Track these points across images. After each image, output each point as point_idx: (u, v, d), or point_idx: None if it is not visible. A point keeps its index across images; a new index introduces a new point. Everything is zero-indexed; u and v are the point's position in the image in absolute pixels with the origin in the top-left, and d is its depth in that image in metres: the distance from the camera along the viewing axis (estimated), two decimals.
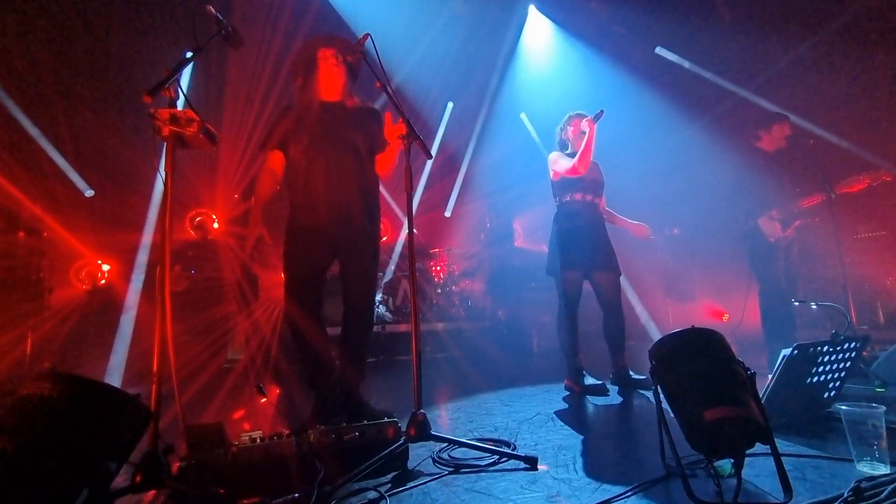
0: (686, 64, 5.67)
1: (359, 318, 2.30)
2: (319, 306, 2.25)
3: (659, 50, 5.78)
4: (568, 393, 2.84)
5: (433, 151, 2.02)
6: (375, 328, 4.51)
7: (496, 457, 1.70)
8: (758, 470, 1.49)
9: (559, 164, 3.03)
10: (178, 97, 1.63)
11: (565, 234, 3.00)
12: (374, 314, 2.46)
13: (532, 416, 2.34)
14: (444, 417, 2.42)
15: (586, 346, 3.18)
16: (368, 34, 2.02)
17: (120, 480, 1.18)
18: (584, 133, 2.90)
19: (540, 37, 6.61)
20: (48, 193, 4.27)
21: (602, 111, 2.83)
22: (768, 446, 1.30)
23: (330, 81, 2.30)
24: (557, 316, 3.02)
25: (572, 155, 3.01)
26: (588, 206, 3.05)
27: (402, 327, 4.82)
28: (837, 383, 2.03)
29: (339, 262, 2.31)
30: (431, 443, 1.77)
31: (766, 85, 5.10)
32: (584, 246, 2.95)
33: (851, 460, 1.51)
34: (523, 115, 7.14)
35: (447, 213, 7.30)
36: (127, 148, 4.73)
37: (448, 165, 7.34)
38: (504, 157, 6.97)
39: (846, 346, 1.97)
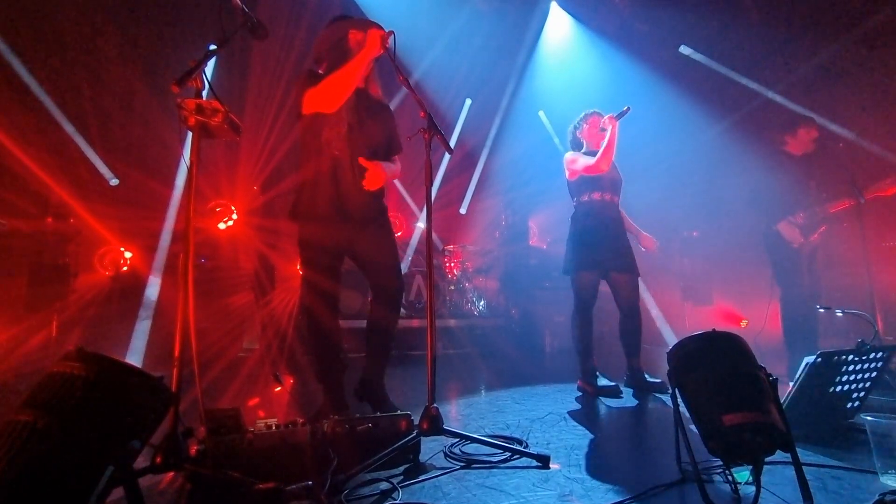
0: (711, 63, 5.55)
1: (387, 304, 2.25)
2: (336, 299, 2.24)
3: (683, 49, 5.67)
4: (581, 394, 2.82)
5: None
6: None
7: (508, 454, 1.70)
8: (776, 478, 1.46)
9: (579, 162, 2.97)
10: (204, 87, 1.65)
11: (583, 234, 2.95)
12: (401, 299, 2.32)
13: (544, 415, 2.33)
14: (455, 413, 2.43)
15: (600, 347, 3.15)
16: (392, 32, 2.01)
17: (139, 461, 1.21)
18: (603, 130, 2.86)
19: (561, 33, 6.53)
20: (75, 180, 4.37)
21: (628, 108, 2.78)
22: (787, 454, 1.27)
23: None
24: (571, 316, 2.99)
25: (588, 153, 2.97)
26: (607, 206, 3.00)
27: (414, 322, 4.82)
28: (861, 394, 1.98)
29: (357, 254, 2.26)
30: (443, 437, 1.78)
31: (795, 86, 4.96)
32: (602, 246, 2.90)
33: (874, 473, 1.47)
34: (541, 113, 7.08)
35: (462, 210, 7.29)
36: (151, 138, 4.83)
37: (465, 162, 7.32)
38: (521, 154, 6.92)
39: (872, 355, 1.92)
